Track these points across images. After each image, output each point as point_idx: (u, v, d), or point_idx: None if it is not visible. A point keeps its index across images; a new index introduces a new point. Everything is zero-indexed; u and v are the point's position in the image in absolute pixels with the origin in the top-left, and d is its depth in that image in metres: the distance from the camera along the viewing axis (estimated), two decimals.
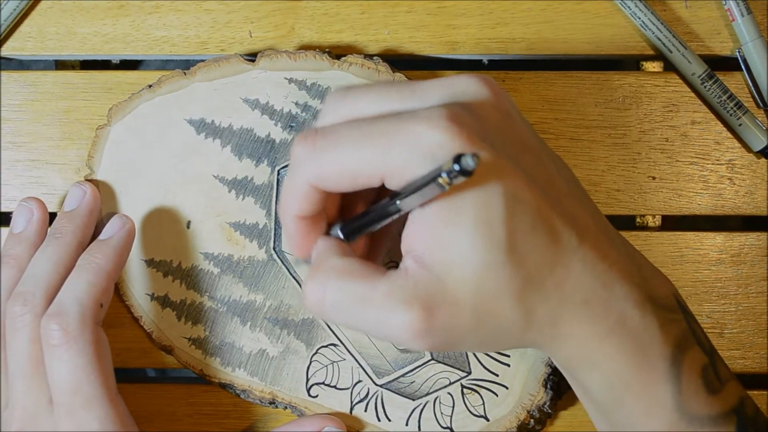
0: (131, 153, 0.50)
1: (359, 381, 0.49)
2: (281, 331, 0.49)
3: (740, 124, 0.50)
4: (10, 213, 0.50)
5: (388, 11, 0.51)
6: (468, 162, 0.31)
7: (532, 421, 0.48)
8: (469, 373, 0.48)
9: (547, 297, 0.35)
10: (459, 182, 0.32)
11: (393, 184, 0.35)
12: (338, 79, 0.48)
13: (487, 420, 0.48)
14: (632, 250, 0.39)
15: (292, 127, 0.49)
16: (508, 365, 0.48)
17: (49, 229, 0.48)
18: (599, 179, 0.51)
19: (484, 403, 0.48)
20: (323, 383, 0.49)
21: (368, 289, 0.35)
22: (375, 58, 0.49)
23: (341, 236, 0.39)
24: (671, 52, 0.50)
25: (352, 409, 0.49)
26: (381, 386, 0.49)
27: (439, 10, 0.51)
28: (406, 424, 0.48)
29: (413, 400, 0.48)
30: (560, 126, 0.51)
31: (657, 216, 0.51)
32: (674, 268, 0.51)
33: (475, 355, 0.48)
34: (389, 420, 0.49)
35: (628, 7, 0.50)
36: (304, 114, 0.49)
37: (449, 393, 0.48)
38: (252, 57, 0.49)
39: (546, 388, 0.47)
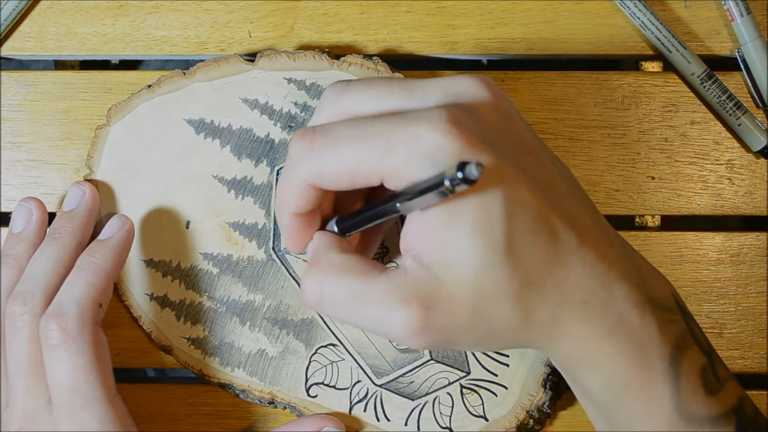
0: (131, 153, 0.50)
1: (358, 381, 0.49)
2: (280, 331, 0.49)
3: (739, 124, 0.50)
4: (10, 213, 0.50)
5: (388, 11, 0.51)
6: (472, 171, 0.31)
7: (531, 421, 0.48)
8: (469, 373, 0.48)
9: (547, 297, 0.35)
10: (462, 190, 0.32)
11: (392, 185, 0.35)
12: (337, 79, 0.48)
13: (487, 420, 0.48)
14: (631, 251, 0.39)
15: (291, 127, 0.49)
16: (508, 365, 0.48)
17: (48, 229, 0.48)
18: (598, 179, 0.51)
19: (483, 403, 0.48)
20: (322, 383, 0.49)
21: (366, 286, 0.35)
22: (374, 58, 0.49)
23: (336, 231, 0.39)
24: (670, 52, 0.50)
25: (351, 409, 0.49)
26: (380, 386, 0.49)
27: (438, 10, 0.51)
28: (405, 424, 0.48)
29: (412, 400, 0.48)
30: (559, 126, 0.51)
31: (656, 216, 0.51)
32: (673, 268, 0.51)
33: (474, 355, 0.48)
34: (388, 420, 0.49)
35: (628, 7, 0.50)
36: (303, 114, 0.49)
37: (448, 393, 0.48)
38: (251, 57, 0.49)
39: (545, 388, 0.47)
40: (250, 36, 0.51)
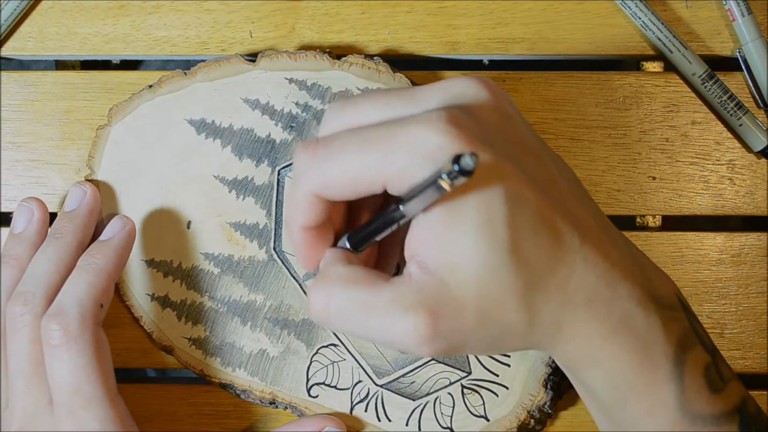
0: (132, 153, 0.50)
1: (359, 381, 0.49)
2: (281, 331, 0.49)
3: (740, 125, 0.50)
4: (11, 213, 0.50)
5: (389, 11, 0.51)
6: (467, 162, 0.31)
7: (532, 421, 0.48)
8: (470, 373, 0.48)
9: (551, 297, 0.35)
10: (460, 183, 0.32)
11: (395, 190, 0.35)
12: (339, 79, 0.48)
13: (488, 420, 0.48)
14: (634, 250, 0.39)
15: (292, 127, 0.49)
16: (509, 365, 0.48)
17: (49, 230, 0.48)
18: (599, 179, 0.51)
19: (484, 404, 0.48)
20: (323, 383, 0.49)
21: (372, 296, 0.35)
22: (375, 58, 0.49)
23: (349, 247, 0.39)
24: (672, 52, 0.50)
25: (352, 409, 0.49)
26: (381, 386, 0.49)
27: (439, 10, 0.51)
28: (407, 425, 0.48)
29: (413, 400, 0.48)
30: (560, 126, 0.51)
31: (657, 216, 0.51)
32: (674, 268, 0.51)
33: (475, 355, 0.48)
34: (389, 420, 0.49)
35: (629, 7, 0.50)
36: (304, 114, 0.49)
37: (449, 393, 0.48)
38: (252, 57, 0.49)
39: (546, 388, 0.47)
40: (251, 36, 0.51)
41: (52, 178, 0.51)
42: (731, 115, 0.50)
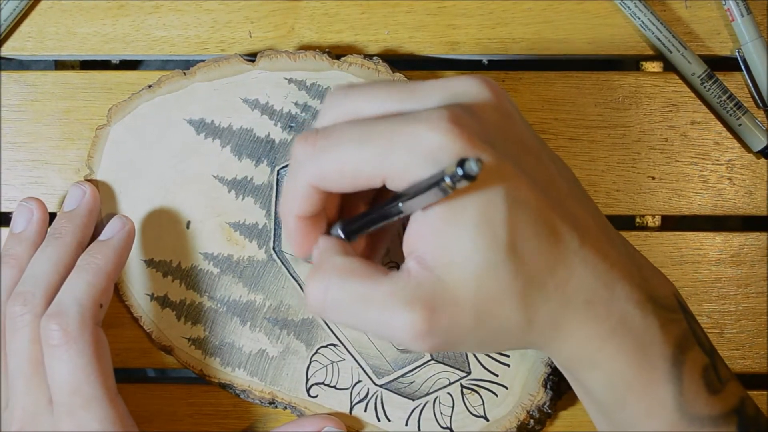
0: (131, 153, 0.50)
1: (359, 381, 0.49)
2: (281, 331, 0.49)
3: (740, 125, 0.50)
4: (10, 213, 0.50)
5: (388, 11, 0.51)
6: (471, 167, 0.31)
7: (531, 421, 0.48)
8: (469, 373, 0.48)
9: (549, 298, 0.35)
10: (462, 186, 0.32)
11: (394, 186, 0.35)
12: (338, 79, 0.48)
13: (487, 420, 0.48)
14: (632, 250, 0.39)
15: (291, 127, 0.49)
16: (508, 365, 0.48)
17: (48, 229, 0.48)
18: (599, 179, 0.51)
19: (483, 404, 0.48)
20: (323, 383, 0.49)
21: (370, 289, 0.35)
22: (375, 58, 0.49)
23: (342, 235, 0.39)
24: (671, 52, 0.50)
25: (351, 409, 0.49)
26: (381, 386, 0.49)
27: (439, 10, 0.51)
28: (406, 424, 0.48)
29: (413, 400, 0.48)
30: (560, 126, 0.51)
31: (657, 216, 0.51)
32: (674, 268, 0.51)
33: (474, 355, 0.48)
34: (389, 420, 0.49)
35: (628, 7, 0.50)
36: (303, 114, 0.49)
37: (449, 393, 0.48)
38: (252, 57, 0.49)
39: (546, 388, 0.47)
40: (250, 36, 0.51)
41: (52, 178, 0.51)
42: (731, 115, 0.50)
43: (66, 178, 0.51)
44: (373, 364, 0.49)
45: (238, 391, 0.50)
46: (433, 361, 0.48)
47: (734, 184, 0.51)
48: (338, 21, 0.51)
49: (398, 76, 0.48)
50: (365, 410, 0.49)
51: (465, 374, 0.48)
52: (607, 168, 0.51)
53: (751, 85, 0.50)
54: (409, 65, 0.51)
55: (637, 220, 0.52)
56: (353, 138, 0.35)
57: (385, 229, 0.40)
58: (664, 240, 0.51)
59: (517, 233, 0.34)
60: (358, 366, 0.49)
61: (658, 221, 0.51)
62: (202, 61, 0.49)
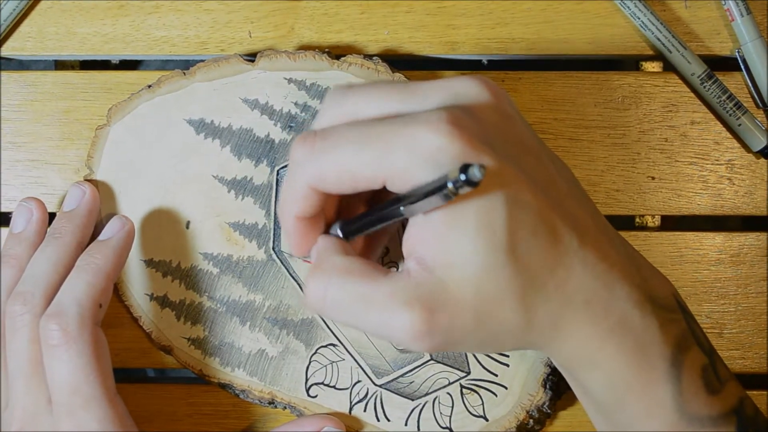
0: (131, 153, 0.50)
1: (358, 381, 0.49)
2: (280, 331, 0.49)
3: (740, 125, 0.50)
4: (10, 213, 0.50)
5: (388, 11, 0.51)
6: (475, 173, 0.31)
7: (531, 421, 0.48)
8: (469, 373, 0.48)
9: (548, 298, 0.35)
10: (465, 192, 0.32)
11: (394, 188, 0.35)
12: (338, 79, 0.48)
13: (486, 420, 0.48)
14: (631, 251, 0.39)
15: (291, 127, 0.49)
16: (508, 365, 0.48)
17: (48, 229, 0.48)
18: (598, 179, 0.51)
19: (483, 403, 0.48)
20: (322, 383, 0.49)
21: (370, 290, 0.35)
22: (374, 58, 0.49)
23: (341, 235, 0.39)
24: (671, 52, 0.50)
25: (351, 409, 0.49)
26: (380, 386, 0.49)
27: (438, 10, 0.51)
28: (405, 424, 0.48)
29: (412, 400, 0.48)
30: (559, 126, 0.51)
31: (656, 216, 0.51)
32: (673, 268, 0.51)
33: (474, 355, 0.48)
34: (388, 420, 0.49)
35: (628, 7, 0.50)
36: (303, 114, 0.49)
37: (448, 393, 0.48)
38: (251, 57, 0.49)
39: (545, 388, 0.47)
40: (250, 36, 0.51)
41: (52, 178, 0.51)
42: (730, 115, 0.50)
43: (66, 178, 0.51)
44: (373, 364, 0.49)
45: (237, 391, 0.50)
46: (432, 361, 0.48)
47: (734, 184, 0.51)
48: (338, 21, 0.51)
49: (398, 76, 0.48)
50: (365, 410, 0.49)
51: (464, 374, 0.48)
52: (607, 168, 0.51)
53: (750, 85, 0.50)
54: (408, 65, 0.51)
55: (637, 220, 0.52)
56: (352, 140, 0.35)
57: (383, 229, 0.40)
58: (663, 240, 0.51)
59: (516, 234, 0.34)
60: (357, 366, 0.49)
61: (657, 221, 0.51)
62: (202, 61, 0.49)
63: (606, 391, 0.37)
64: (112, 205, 0.50)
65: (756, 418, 0.38)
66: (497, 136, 0.36)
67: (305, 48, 0.51)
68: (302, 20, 0.51)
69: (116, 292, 0.50)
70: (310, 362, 0.49)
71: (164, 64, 0.60)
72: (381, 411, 0.49)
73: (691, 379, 0.37)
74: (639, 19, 0.50)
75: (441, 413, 0.48)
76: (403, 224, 0.37)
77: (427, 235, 0.35)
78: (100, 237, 0.47)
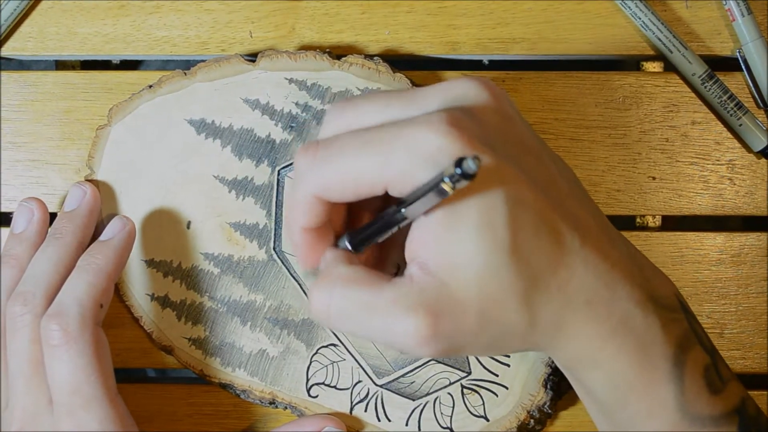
0: (131, 153, 0.50)
1: (359, 381, 0.49)
2: (281, 331, 0.49)
3: (740, 125, 0.50)
4: (11, 213, 0.50)
5: (389, 11, 0.51)
6: (470, 165, 0.31)
7: (532, 421, 0.48)
8: (469, 373, 0.48)
9: (551, 298, 0.35)
10: (462, 186, 0.32)
11: (397, 192, 0.35)
12: (338, 79, 0.48)
13: (487, 420, 0.48)
14: (633, 250, 0.39)
15: (292, 127, 0.49)
16: (508, 365, 0.48)
17: (49, 230, 0.48)
18: (599, 179, 0.51)
19: (484, 404, 0.48)
20: (323, 383, 0.49)
21: (373, 296, 0.35)
22: (375, 58, 0.49)
23: (349, 247, 0.39)
24: (671, 52, 0.50)
25: (352, 409, 0.49)
26: (381, 386, 0.49)
27: (439, 10, 0.51)
28: (406, 425, 0.48)
29: (413, 400, 0.48)
30: (560, 126, 0.51)
31: (657, 216, 0.51)
32: (674, 268, 0.51)
33: (476, 356, 0.48)
34: (389, 420, 0.49)
35: (629, 7, 0.50)
36: (304, 114, 0.49)
37: (449, 393, 0.48)
38: (252, 57, 0.49)
39: (546, 388, 0.47)
40: (251, 36, 0.51)
41: (52, 178, 0.51)
42: (731, 115, 0.50)
43: (66, 178, 0.51)
44: (374, 364, 0.49)
45: (238, 391, 0.50)
46: (433, 362, 0.48)
47: (735, 184, 0.51)
48: (339, 21, 0.51)
49: (399, 76, 0.48)
50: (365, 410, 0.49)
51: (465, 374, 0.48)
52: (608, 168, 0.51)
53: (751, 85, 0.50)
54: (409, 65, 0.51)
55: (638, 220, 0.52)
56: (353, 146, 0.35)
57: (393, 239, 0.40)
58: (664, 240, 0.51)
59: (518, 235, 0.34)
60: (358, 366, 0.49)
61: (658, 221, 0.51)
62: (203, 61, 0.49)
63: (608, 391, 0.37)
64: (113, 206, 0.50)
65: (758, 417, 0.38)
66: (497, 137, 0.36)
67: (306, 48, 0.51)
68: (303, 20, 0.51)
69: (117, 292, 0.50)
70: (310, 362, 0.49)
71: (165, 64, 0.60)
72: (382, 411, 0.49)
73: (693, 379, 0.37)
74: (640, 19, 0.50)
75: (442, 413, 0.48)
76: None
77: (428, 238, 0.35)
78: (101, 237, 0.47)
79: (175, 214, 0.49)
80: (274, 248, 0.49)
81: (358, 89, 0.48)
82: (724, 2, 0.50)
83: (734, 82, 0.51)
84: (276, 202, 0.49)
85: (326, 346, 0.49)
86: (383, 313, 0.34)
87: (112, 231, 0.47)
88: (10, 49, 0.52)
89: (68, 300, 0.43)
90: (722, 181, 0.51)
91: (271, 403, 0.49)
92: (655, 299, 0.37)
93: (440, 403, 0.48)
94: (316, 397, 0.49)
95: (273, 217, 0.49)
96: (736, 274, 0.51)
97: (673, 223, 0.52)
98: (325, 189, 0.36)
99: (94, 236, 0.48)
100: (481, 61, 0.54)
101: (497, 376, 0.48)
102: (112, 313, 0.50)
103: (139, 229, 0.49)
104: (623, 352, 0.36)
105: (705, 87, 0.50)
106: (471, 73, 0.50)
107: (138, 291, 0.50)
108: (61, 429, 0.43)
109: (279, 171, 0.49)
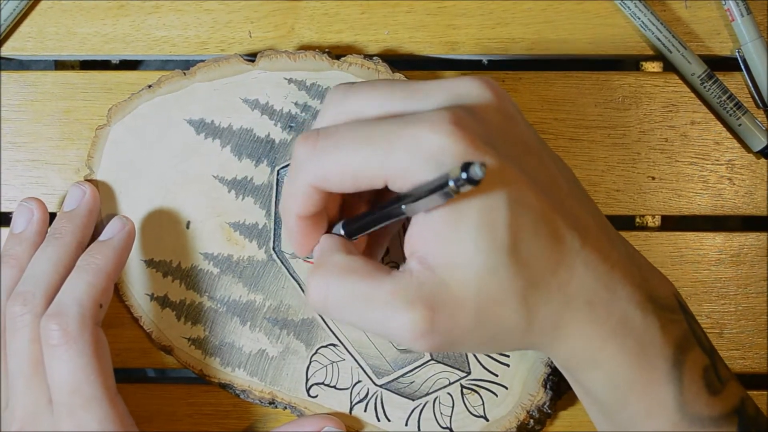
0: (131, 153, 0.50)
1: (359, 381, 0.49)
2: (281, 331, 0.49)
3: (740, 125, 0.50)
4: (10, 213, 0.50)
5: (388, 11, 0.51)
6: (476, 171, 0.31)
7: (531, 421, 0.48)
8: (469, 373, 0.48)
9: (550, 299, 0.35)
10: (466, 191, 0.32)
11: (396, 187, 0.35)
12: (338, 79, 0.48)
13: (487, 420, 0.48)
14: (632, 251, 0.39)
15: (291, 127, 0.49)
16: (508, 365, 0.48)
17: (48, 230, 0.48)
18: (599, 179, 0.51)
19: (483, 404, 0.48)
20: (323, 383, 0.49)
21: (372, 288, 0.35)
22: (375, 58, 0.49)
23: (343, 234, 0.39)
24: (671, 52, 0.50)
25: (351, 409, 0.49)
26: (380, 386, 0.49)
27: (439, 10, 0.51)
28: (406, 425, 0.48)
29: (413, 400, 0.48)
30: (560, 126, 0.51)
31: (656, 216, 0.51)
32: (674, 268, 0.51)
33: (474, 355, 0.48)
34: (389, 420, 0.49)
35: (628, 7, 0.50)
36: (303, 114, 0.49)
37: (449, 393, 0.48)
38: (252, 57, 0.49)
39: (546, 388, 0.47)
40: (250, 36, 0.51)
41: (52, 178, 0.51)
42: (730, 115, 0.50)
43: (66, 178, 0.51)
44: (373, 364, 0.49)
45: (238, 391, 0.50)
46: (433, 361, 0.48)
47: (734, 184, 0.51)
48: (338, 21, 0.51)
49: (398, 76, 0.48)
50: (365, 410, 0.49)
51: (465, 374, 0.48)
52: (607, 168, 0.51)
53: (751, 85, 0.50)
54: (409, 65, 0.51)
55: (637, 220, 0.52)
56: (354, 139, 0.35)
57: (385, 228, 0.40)
58: (664, 240, 0.51)
59: (518, 235, 0.34)
60: (358, 366, 0.49)
61: (658, 221, 0.51)
62: (202, 61, 0.49)
63: (607, 392, 0.37)
64: (113, 206, 0.50)
65: (757, 417, 0.38)
66: (499, 137, 0.36)
67: (305, 48, 0.51)
68: (302, 20, 0.51)
69: (117, 292, 0.50)
70: (310, 362, 0.49)
71: (164, 64, 0.60)
72: (381, 411, 0.49)
73: (692, 380, 0.37)
74: (639, 19, 0.50)
75: (441, 413, 0.48)
76: (404, 225, 0.37)
77: (428, 234, 0.35)
78: (101, 237, 0.47)
79: (174, 214, 0.49)
80: (273, 248, 0.49)
81: None
82: (723, 2, 0.50)
83: (733, 82, 0.51)
84: (275, 202, 0.49)
85: (326, 346, 0.49)
86: (381, 306, 0.34)
87: (111, 231, 0.47)
88: (9, 49, 0.52)
89: (68, 300, 0.43)
90: (722, 181, 0.51)
91: (270, 403, 0.49)
92: (654, 300, 0.37)
93: (440, 403, 0.48)
94: (316, 397, 0.49)
95: (272, 217, 0.49)
96: (735, 274, 0.51)
97: (673, 223, 0.52)
98: (324, 180, 0.36)
99: (94, 236, 0.48)
100: (480, 61, 0.54)
101: (497, 376, 0.48)
102: (112, 313, 0.50)
103: (138, 229, 0.49)
104: (622, 352, 0.36)
105: (704, 87, 0.50)
106: (472, 73, 0.51)
107: (137, 291, 0.50)
108: (61, 429, 0.43)
109: (278, 171, 0.49)
